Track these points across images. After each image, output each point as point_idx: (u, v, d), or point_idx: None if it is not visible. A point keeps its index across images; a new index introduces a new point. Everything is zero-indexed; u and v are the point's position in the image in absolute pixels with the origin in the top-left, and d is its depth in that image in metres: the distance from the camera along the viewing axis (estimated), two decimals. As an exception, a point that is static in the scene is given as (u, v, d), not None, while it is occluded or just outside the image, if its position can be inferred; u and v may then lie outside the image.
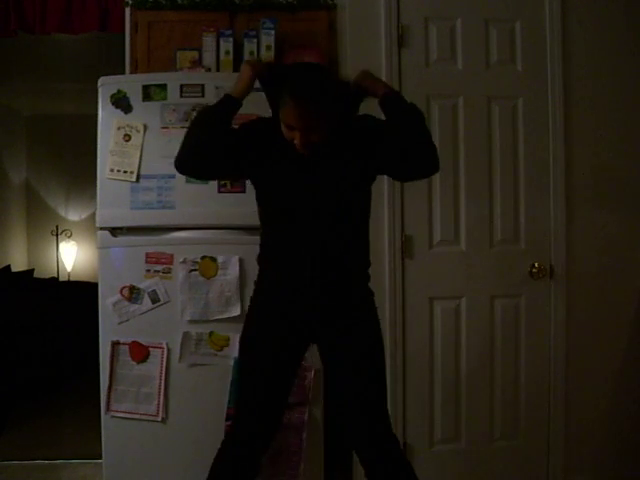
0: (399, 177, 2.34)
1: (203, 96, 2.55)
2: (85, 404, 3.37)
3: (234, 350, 2.51)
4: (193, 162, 2.07)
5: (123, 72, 2.94)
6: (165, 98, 2.55)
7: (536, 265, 2.93)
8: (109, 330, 2.55)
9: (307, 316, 2.06)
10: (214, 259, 2.53)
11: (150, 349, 2.55)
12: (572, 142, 2.95)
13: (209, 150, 2.01)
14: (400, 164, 2.07)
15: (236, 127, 2.10)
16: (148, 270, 2.55)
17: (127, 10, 2.96)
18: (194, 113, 2.54)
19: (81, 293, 5.63)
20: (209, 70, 2.76)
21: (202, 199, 2.55)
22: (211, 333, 2.54)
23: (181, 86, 2.55)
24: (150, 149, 2.55)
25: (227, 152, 2.04)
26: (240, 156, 2.07)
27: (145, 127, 2.55)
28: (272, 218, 2.11)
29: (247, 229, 2.43)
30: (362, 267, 2.13)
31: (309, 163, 2.03)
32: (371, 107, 2.10)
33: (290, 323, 2.08)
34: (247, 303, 2.52)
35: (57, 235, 7.29)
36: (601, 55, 2.97)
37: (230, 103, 2.05)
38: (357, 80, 2.08)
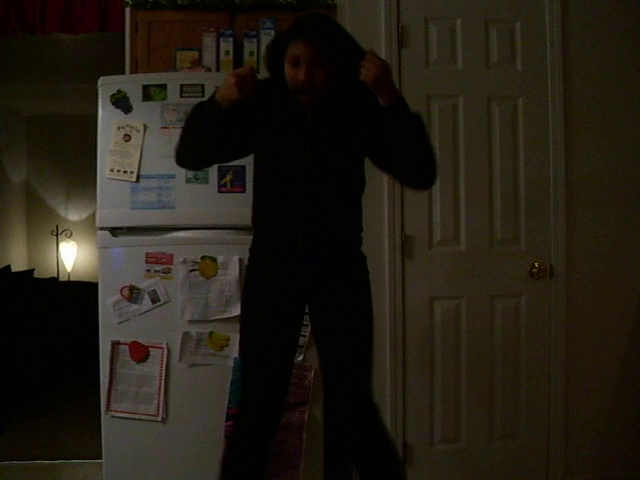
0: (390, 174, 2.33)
1: (203, 96, 2.54)
2: (85, 404, 3.38)
3: (234, 350, 2.52)
4: (193, 160, 2.16)
5: (123, 72, 2.94)
6: (165, 98, 2.55)
7: (536, 265, 2.93)
8: (109, 330, 2.55)
9: (302, 275, 2.08)
10: (214, 259, 2.53)
11: (150, 349, 2.55)
12: (572, 142, 2.95)
13: (205, 150, 2.08)
14: (396, 173, 2.16)
15: None
16: (148, 270, 2.55)
17: (127, 10, 2.96)
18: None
19: (81, 293, 5.64)
20: (209, 70, 2.76)
21: (202, 199, 2.55)
22: (211, 333, 2.54)
23: (181, 86, 2.55)
24: (150, 149, 2.55)
25: (224, 141, 2.07)
26: (238, 135, 2.09)
27: (145, 127, 2.55)
28: (269, 178, 2.11)
29: (247, 229, 2.42)
30: (355, 231, 2.15)
31: (309, 126, 2.05)
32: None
33: (286, 282, 2.10)
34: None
35: (57, 235, 7.29)
36: (601, 55, 2.97)
37: (218, 113, 1.99)
38: (374, 76, 1.96)
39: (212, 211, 2.54)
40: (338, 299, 2.09)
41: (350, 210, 2.13)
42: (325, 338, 2.11)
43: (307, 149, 2.05)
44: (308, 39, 1.95)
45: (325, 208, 2.06)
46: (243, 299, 2.19)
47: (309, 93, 2.00)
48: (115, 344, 2.54)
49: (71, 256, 7.24)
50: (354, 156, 2.11)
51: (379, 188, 2.85)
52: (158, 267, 2.55)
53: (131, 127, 2.55)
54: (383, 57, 2.83)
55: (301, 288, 2.10)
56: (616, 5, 2.99)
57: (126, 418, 2.55)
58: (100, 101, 2.57)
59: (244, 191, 2.52)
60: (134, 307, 2.55)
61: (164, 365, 2.54)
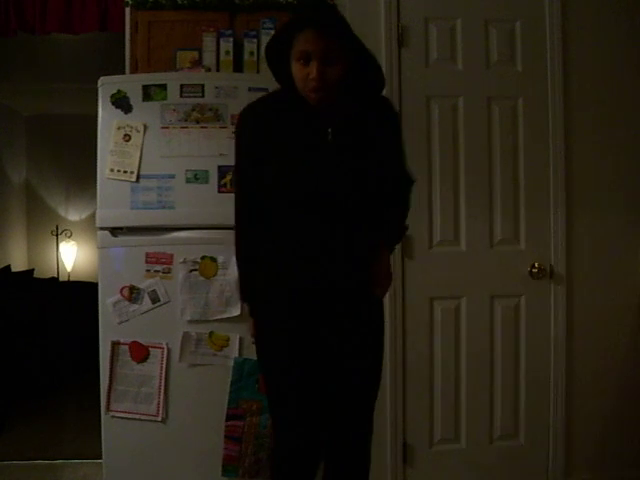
0: None
1: (203, 96, 2.55)
2: (85, 404, 3.38)
3: (234, 350, 2.52)
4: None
5: (123, 72, 2.94)
6: (165, 98, 2.55)
7: (536, 265, 2.93)
8: (109, 330, 2.55)
9: (323, 314, 1.90)
10: (214, 259, 2.53)
11: (150, 349, 2.55)
12: (572, 142, 2.95)
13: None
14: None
15: (235, 133, 1.99)
16: (148, 270, 2.55)
17: (127, 10, 2.96)
18: (194, 113, 2.55)
19: (81, 293, 5.64)
20: (209, 70, 2.76)
21: (202, 199, 2.55)
22: (211, 333, 2.54)
23: (181, 86, 2.55)
24: (150, 149, 2.55)
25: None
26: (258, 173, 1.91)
27: (145, 127, 2.55)
28: (285, 206, 1.89)
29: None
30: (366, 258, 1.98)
31: (327, 145, 1.86)
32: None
33: (309, 324, 1.90)
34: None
35: (57, 235, 7.30)
36: (601, 55, 2.97)
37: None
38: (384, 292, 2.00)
39: (212, 211, 2.54)
40: (353, 333, 1.93)
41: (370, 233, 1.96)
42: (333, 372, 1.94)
43: (333, 171, 1.85)
44: (318, 28, 1.75)
45: (353, 240, 1.89)
46: (265, 333, 1.97)
47: (321, 91, 1.80)
48: (115, 344, 2.54)
49: (71, 256, 7.24)
50: (377, 175, 1.91)
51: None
52: (158, 267, 2.55)
53: (131, 127, 2.55)
54: (383, 57, 2.87)
55: (321, 328, 1.91)
56: (616, 5, 2.99)
57: (126, 418, 2.55)
58: (100, 101, 2.57)
59: (244, 191, 2.52)
60: (134, 307, 2.55)
61: (164, 365, 2.54)
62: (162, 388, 2.54)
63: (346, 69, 1.81)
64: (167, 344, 2.54)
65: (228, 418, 2.52)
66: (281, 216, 1.90)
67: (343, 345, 1.92)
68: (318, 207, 1.85)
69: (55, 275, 7.06)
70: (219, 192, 2.55)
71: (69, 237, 7.28)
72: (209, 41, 2.80)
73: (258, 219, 1.93)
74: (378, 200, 1.92)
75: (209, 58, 2.80)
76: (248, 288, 2.01)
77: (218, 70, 2.79)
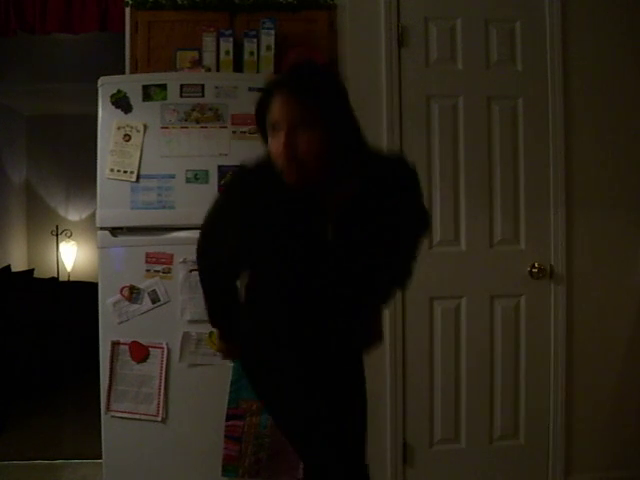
0: None
1: (203, 96, 2.55)
2: (85, 404, 3.37)
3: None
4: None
5: (123, 72, 2.94)
6: (165, 98, 2.55)
7: (536, 265, 2.93)
8: (109, 330, 2.55)
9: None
10: (214, 259, 2.52)
11: (150, 349, 2.55)
12: (572, 142, 2.95)
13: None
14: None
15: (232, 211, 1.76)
16: (148, 270, 2.55)
17: (127, 10, 2.96)
18: (194, 113, 2.55)
19: (81, 293, 5.63)
20: (209, 70, 2.76)
21: (202, 199, 2.52)
22: (211, 333, 2.53)
23: (181, 86, 2.55)
24: (150, 149, 2.55)
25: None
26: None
27: (145, 127, 2.55)
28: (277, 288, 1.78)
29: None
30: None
31: (332, 244, 1.66)
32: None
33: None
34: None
35: (57, 235, 7.29)
36: (601, 55, 2.97)
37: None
38: None
39: (212, 211, 2.54)
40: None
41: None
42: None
43: (333, 277, 1.70)
44: (287, 91, 1.51)
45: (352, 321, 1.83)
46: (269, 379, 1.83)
47: (292, 169, 1.53)
48: (115, 344, 2.54)
49: (71, 256, 7.23)
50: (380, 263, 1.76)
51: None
52: (158, 267, 2.55)
53: (131, 127, 2.55)
54: (383, 57, 2.88)
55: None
56: (616, 5, 2.99)
57: (126, 418, 2.55)
58: (100, 101, 2.57)
59: (244, 191, 2.51)
60: (134, 307, 2.55)
61: (164, 365, 2.54)
62: (162, 388, 2.54)
63: (329, 137, 1.53)
64: (167, 344, 2.54)
65: (228, 418, 2.52)
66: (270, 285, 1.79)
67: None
68: (311, 301, 1.74)
69: (55, 275, 7.05)
70: (219, 192, 2.55)
71: (69, 237, 7.27)
72: (209, 41, 2.80)
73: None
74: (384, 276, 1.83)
75: (209, 58, 2.80)
76: (222, 319, 1.96)
77: (218, 70, 2.79)
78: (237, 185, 1.75)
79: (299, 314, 1.76)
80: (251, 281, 1.86)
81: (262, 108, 1.58)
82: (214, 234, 1.83)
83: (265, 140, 1.62)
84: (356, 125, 1.61)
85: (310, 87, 1.53)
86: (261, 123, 1.61)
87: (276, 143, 1.53)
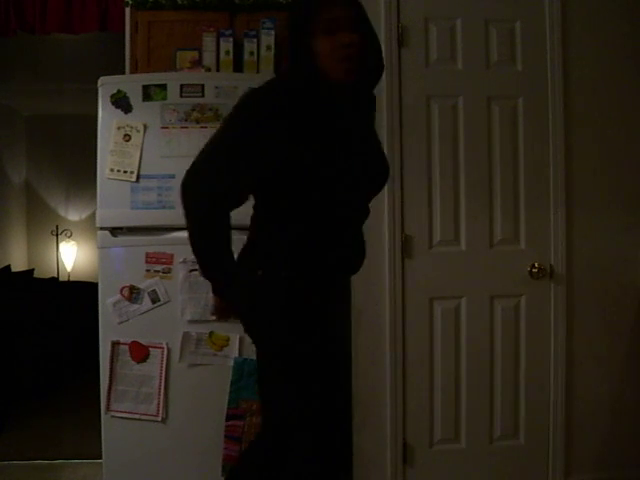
0: None
1: (203, 96, 2.55)
2: (85, 404, 3.38)
3: (234, 350, 2.52)
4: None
5: (123, 72, 2.95)
6: (165, 98, 2.56)
7: (536, 265, 2.92)
8: (109, 330, 2.56)
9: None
10: (214, 259, 2.52)
11: (150, 349, 2.55)
12: (572, 142, 2.94)
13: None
14: None
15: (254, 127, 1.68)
16: (148, 270, 2.55)
17: (127, 10, 2.97)
18: (194, 113, 2.55)
19: (81, 293, 5.64)
20: (209, 70, 2.77)
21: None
22: (211, 333, 2.54)
23: (181, 86, 2.56)
24: (150, 149, 2.55)
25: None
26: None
27: (145, 127, 2.55)
28: (334, 200, 1.73)
29: (247, 229, 2.42)
30: None
31: (369, 127, 1.84)
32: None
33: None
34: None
35: (57, 235, 7.29)
36: (601, 55, 2.97)
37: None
38: None
39: (212, 211, 2.54)
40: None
41: None
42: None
43: (379, 155, 1.86)
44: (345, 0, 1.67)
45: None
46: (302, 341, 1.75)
47: (355, 59, 1.66)
48: (115, 344, 2.54)
49: (71, 256, 7.24)
50: None
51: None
52: (158, 267, 2.55)
53: (131, 127, 2.55)
54: (383, 57, 2.87)
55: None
56: (616, 5, 2.99)
57: (126, 418, 2.55)
58: (100, 101, 2.57)
59: (244, 191, 2.51)
60: (134, 307, 2.55)
61: (164, 365, 2.54)
62: (162, 388, 2.54)
63: (371, 38, 1.74)
64: (167, 344, 2.54)
65: (228, 418, 2.52)
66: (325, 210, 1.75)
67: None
68: (369, 193, 1.87)
69: (55, 275, 7.06)
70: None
71: (69, 237, 7.28)
72: (209, 41, 2.80)
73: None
74: None
75: (209, 58, 2.80)
76: (219, 263, 1.77)
77: (218, 70, 2.80)
78: (278, 107, 1.67)
79: (355, 244, 1.83)
80: (292, 220, 1.76)
81: (310, 10, 1.66)
82: (237, 155, 1.70)
83: (298, 47, 1.68)
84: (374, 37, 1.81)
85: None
86: (298, 29, 1.68)
87: (336, 41, 1.62)
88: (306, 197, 1.72)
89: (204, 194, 1.70)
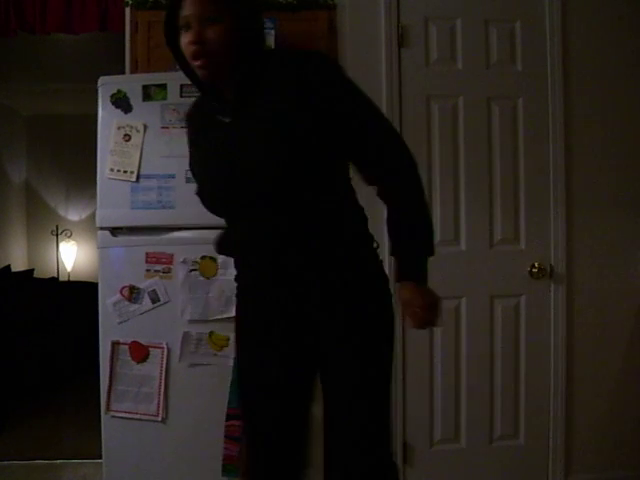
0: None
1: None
2: (85, 404, 3.38)
3: (234, 350, 2.51)
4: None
5: (123, 72, 2.94)
6: (165, 98, 2.55)
7: (536, 265, 2.93)
8: (109, 330, 2.55)
9: (287, 303, 1.64)
10: (214, 259, 2.52)
11: (150, 349, 2.55)
12: (572, 142, 2.95)
13: None
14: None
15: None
16: (148, 270, 2.55)
17: (127, 10, 2.96)
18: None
19: (81, 293, 5.64)
20: (209, 70, 2.76)
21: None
22: (211, 333, 2.54)
23: (181, 86, 2.55)
24: (150, 149, 2.55)
25: None
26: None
27: (145, 127, 2.55)
28: (213, 208, 1.72)
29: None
30: (342, 235, 1.63)
31: (230, 125, 1.60)
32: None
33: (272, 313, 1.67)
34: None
35: (57, 235, 7.29)
36: (602, 55, 2.97)
37: None
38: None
39: (212, 211, 2.54)
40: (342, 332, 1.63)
41: (325, 211, 1.60)
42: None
43: (230, 158, 1.57)
44: None
45: (287, 225, 1.58)
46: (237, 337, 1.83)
47: (203, 56, 1.54)
48: (115, 344, 2.54)
49: (71, 256, 7.24)
50: (299, 148, 1.53)
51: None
52: (158, 267, 2.55)
53: (131, 127, 2.55)
54: (383, 57, 2.88)
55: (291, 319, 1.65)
56: (616, 5, 2.99)
57: (126, 418, 2.55)
58: (100, 101, 2.57)
59: (244, 191, 2.51)
60: (134, 307, 2.55)
61: (164, 365, 2.54)
62: (162, 388, 2.54)
63: (234, 28, 1.54)
64: (167, 344, 2.54)
65: (228, 418, 2.52)
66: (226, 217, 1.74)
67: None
68: (247, 206, 1.61)
69: (55, 275, 7.06)
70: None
71: (69, 237, 7.28)
72: (209, 41, 2.80)
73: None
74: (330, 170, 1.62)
75: (209, 58, 2.80)
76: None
77: (218, 70, 2.79)
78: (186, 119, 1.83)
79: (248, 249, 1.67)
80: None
81: (172, 16, 1.64)
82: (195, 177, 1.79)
83: (177, 55, 1.66)
84: (261, 25, 1.68)
85: None
86: (172, 37, 1.67)
87: (187, 39, 1.56)
88: None
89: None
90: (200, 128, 1.71)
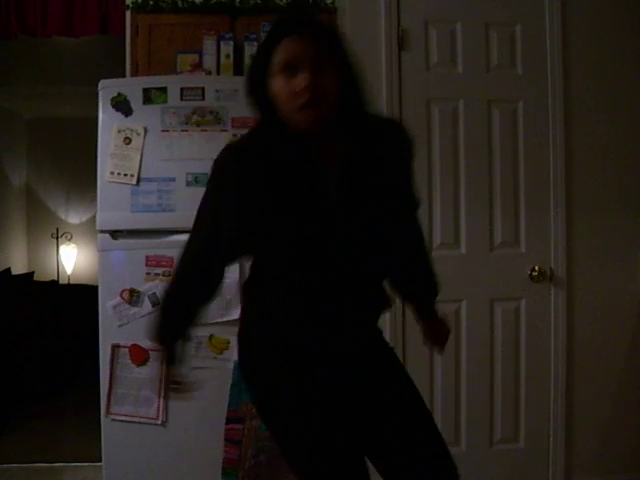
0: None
1: (203, 99, 2.55)
2: (85, 407, 3.37)
3: (234, 353, 2.51)
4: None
5: (124, 75, 2.95)
6: (165, 101, 2.56)
7: (536, 268, 2.92)
8: (109, 333, 2.55)
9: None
10: (214, 262, 2.52)
11: (150, 352, 2.54)
12: (572, 145, 2.95)
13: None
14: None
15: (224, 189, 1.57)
16: (148, 273, 2.55)
17: (127, 13, 2.97)
18: (195, 116, 2.55)
19: (81, 296, 5.63)
20: (209, 73, 2.77)
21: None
22: (211, 336, 2.54)
23: (181, 89, 2.56)
24: (150, 152, 2.55)
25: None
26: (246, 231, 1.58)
27: (145, 130, 2.55)
28: (289, 269, 1.57)
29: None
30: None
31: (335, 194, 1.50)
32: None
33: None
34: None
35: (57, 238, 7.29)
36: (602, 58, 2.97)
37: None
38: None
39: (212, 214, 2.54)
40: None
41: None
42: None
43: (338, 226, 1.50)
44: (303, 32, 1.42)
45: (370, 295, 1.63)
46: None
47: (316, 107, 1.42)
48: (115, 347, 2.54)
49: (71, 259, 7.23)
50: (396, 217, 1.59)
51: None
52: (158, 270, 2.55)
53: (131, 130, 2.55)
54: (383, 60, 2.88)
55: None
56: (617, 9, 2.99)
57: (126, 421, 2.55)
58: (100, 104, 2.58)
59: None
60: (134, 310, 2.54)
61: (164, 368, 2.53)
62: (162, 391, 2.53)
63: (340, 83, 1.45)
64: (167, 347, 2.53)
65: (228, 421, 2.52)
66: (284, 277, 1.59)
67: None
68: (341, 277, 1.55)
69: (55, 278, 7.05)
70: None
71: (69, 240, 7.27)
72: (209, 44, 2.80)
73: (217, 275, 1.67)
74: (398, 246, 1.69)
75: (209, 61, 2.80)
76: (175, 331, 1.79)
77: (218, 73, 2.80)
78: (228, 162, 1.57)
79: (320, 309, 1.56)
80: (257, 281, 1.66)
81: (267, 50, 1.45)
82: (204, 222, 1.62)
83: (257, 95, 1.50)
84: (360, 78, 1.55)
85: (328, 30, 1.49)
86: (257, 74, 1.49)
87: (293, 83, 1.40)
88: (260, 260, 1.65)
89: (180, 268, 1.75)
90: (278, 179, 1.50)
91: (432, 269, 1.90)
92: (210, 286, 1.69)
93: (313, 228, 1.50)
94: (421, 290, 1.91)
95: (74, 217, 7.42)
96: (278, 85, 1.43)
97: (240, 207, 1.54)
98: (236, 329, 2.31)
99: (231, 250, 1.64)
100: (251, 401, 1.74)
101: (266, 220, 1.52)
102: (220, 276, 1.67)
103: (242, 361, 1.73)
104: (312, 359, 1.59)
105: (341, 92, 1.46)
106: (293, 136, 1.48)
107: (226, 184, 1.56)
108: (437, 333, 1.91)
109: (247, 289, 1.74)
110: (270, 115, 1.49)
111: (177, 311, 1.75)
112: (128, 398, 2.54)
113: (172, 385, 1.80)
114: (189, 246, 1.65)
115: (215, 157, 1.59)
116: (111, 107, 2.56)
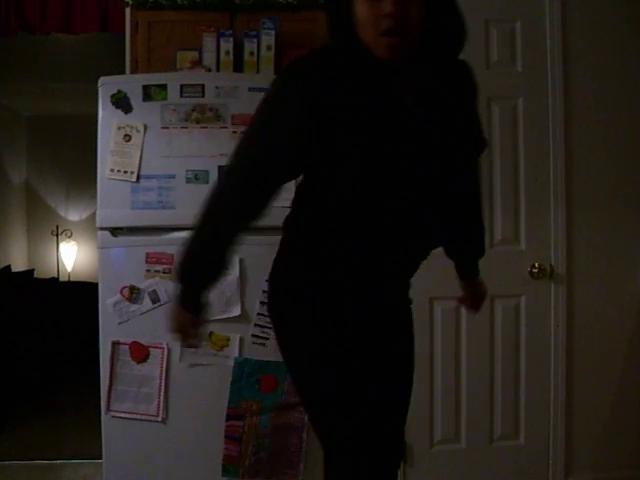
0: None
1: (203, 96, 2.55)
2: (85, 404, 3.38)
3: (234, 350, 2.51)
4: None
5: (123, 72, 2.95)
6: (165, 98, 2.56)
7: (536, 265, 2.92)
8: (109, 330, 2.55)
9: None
10: (214, 259, 2.52)
11: (150, 349, 2.55)
12: (572, 142, 2.94)
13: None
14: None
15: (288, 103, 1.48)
16: (148, 270, 2.55)
17: (127, 10, 2.97)
18: (195, 113, 2.55)
19: (81, 293, 5.64)
20: (209, 70, 2.77)
21: (202, 199, 2.54)
22: (211, 333, 2.54)
23: (181, 86, 2.56)
24: (150, 149, 2.55)
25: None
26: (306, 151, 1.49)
27: (145, 127, 2.55)
28: (365, 206, 1.50)
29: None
30: None
31: (418, 114, 1.47)
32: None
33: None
34: (247, 303, 2.52)
35: (57, 235, 7.29)
36: (602, 55, 2.97)
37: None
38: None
39: (212, 211, 2.54)
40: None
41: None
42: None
43: (422, 152, 1.49)
44: None
45: (423, 248, 1.75)
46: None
47: (399, 34, 1.39)
48: (115, 344, 2.54)
49: (71, 256, 7.24)
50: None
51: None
52: (158, 267, 2.55)
53: (131, 127, 2.55)
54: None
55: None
56: (617, 5, 2.99)
57: (126, 418, 2.55)
58: (100, 101, 2.57)
59: (244, 191, 2.52)
60: (134, 307, 2.55)
61: (164, 365, 2.54)
62: (162, 388, 2.54)
63: (424, 14, 1.41)
64: (167, 344, 2.54)
65: (228, 418, 2.52)
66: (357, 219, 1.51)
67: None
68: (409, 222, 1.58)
69: (55, 275, 7.06)
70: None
71: (69, 237, 7.28)
72: (209, 41, 2.80)
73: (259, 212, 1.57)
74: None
75: (209, 58, 2.80)
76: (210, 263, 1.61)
77: (218, 70, 2.80)
78: (301, 76, 1.48)
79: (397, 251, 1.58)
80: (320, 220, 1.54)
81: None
82: (265, 136, 1.52)
83: (338, 15, 1.46)
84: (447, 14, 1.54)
85: None
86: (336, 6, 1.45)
87: (377, 7, 1.36)
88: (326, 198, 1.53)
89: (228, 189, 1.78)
90: (360, 100, 1.43)
91: (484, 228, 1.93)
92: (258, 208, 1.56)
93: (408, 148, 1.46)
94: (471, 248, 1.96)
95: (74, 214, 7.43)
96: (363, 7, 1.39)
97: (312, 126, 1.45)
98: (236, 326, 2.32)
99: (288, 173, 1.56)
100: (279, 346, 1.64)
101: (346, 141, 1.43)
102: (272, 198, 1.54)
103: (276, 304, 1.65)
104: (364, 309, 1.56)
105: (425, 24, 1.43)
106: (372, 61, 1.43)
107: (297, 99, 1.47)
108: (475, 294, 1.99)
109: (293, 226, 1.62)
110: (347, 38, 1.44)
111: (219, 236, 1.61)
112: (128, 395, 2.54)
113: (184, 336, 1.67)
114: (242, 160, 1.55)
115: (282, 69, 1.55)
116: (111, 104, 2.56)
